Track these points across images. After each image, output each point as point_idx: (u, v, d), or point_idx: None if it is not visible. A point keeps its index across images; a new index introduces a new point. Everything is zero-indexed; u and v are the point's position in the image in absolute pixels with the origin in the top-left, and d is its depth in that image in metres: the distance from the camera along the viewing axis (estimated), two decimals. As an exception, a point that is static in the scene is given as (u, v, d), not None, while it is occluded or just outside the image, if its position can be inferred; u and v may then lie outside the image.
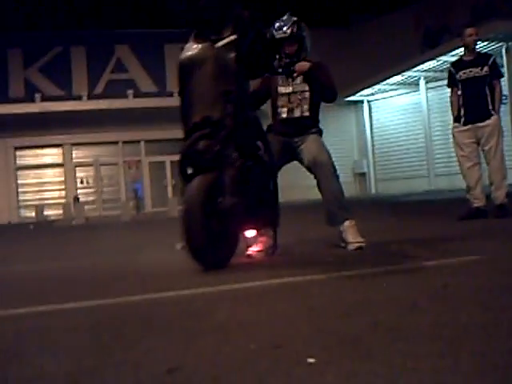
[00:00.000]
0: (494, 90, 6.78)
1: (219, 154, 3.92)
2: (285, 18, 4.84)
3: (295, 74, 4.81)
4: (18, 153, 26.00)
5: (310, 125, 4.88)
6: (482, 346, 1.73)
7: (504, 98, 20.93)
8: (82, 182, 26.57)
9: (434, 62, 21.81)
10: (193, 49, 4.25)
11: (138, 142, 26.59)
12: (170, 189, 26.57)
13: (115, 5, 25.86)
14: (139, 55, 26.86)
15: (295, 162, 4.94)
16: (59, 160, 26.40)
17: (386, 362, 1.62)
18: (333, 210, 4.67)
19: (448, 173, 23.49)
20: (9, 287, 4.10)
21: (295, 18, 4.84)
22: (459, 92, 6.89)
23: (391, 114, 26.44)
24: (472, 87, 6.80)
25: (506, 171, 6.94)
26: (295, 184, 15.80)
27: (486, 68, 6.78)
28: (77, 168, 26.51)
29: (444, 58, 21.16)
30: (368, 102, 27.17)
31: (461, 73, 6.89)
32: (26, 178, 26.05)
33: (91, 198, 26.15)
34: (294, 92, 4.87)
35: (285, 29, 4.76)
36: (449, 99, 7.12)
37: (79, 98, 25.90)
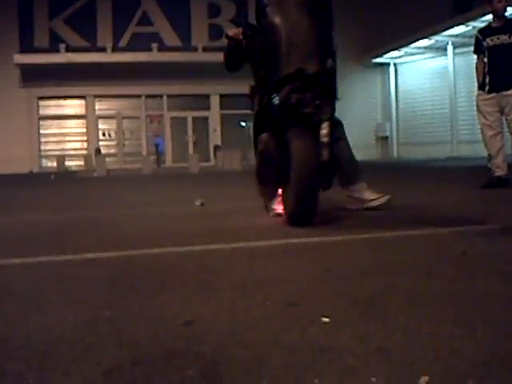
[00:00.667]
0: None
1: (317, 108, 3.79)
2: None
3: None
4: (41, 103, 26.12)
5: None
6: (498, 315, 1.73)
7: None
8: (103, 135, 26.69)
9: (463, 27, 21.44)
10: None
11: (161, 96, 26.57)
12: (190, 145, 26.61)
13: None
14: (165, 8, 26.66)
15: None
16: (82, 111, 26.49)
17: (400, 326, 1.63)
18: (347, 171, 4.66)
19: (471, 140, 23.28)
20: (30, 236, 4.15)
21: None
22: (485, 59, 6.78)
23: (417, 78, 26.14)
24: (499, 55, 6.68)
25: None
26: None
27: None
28: (99, 120, 26.59)
29: (473, 23, 20.77)
30: (394, 64, 26.85)
31: (488, 40, 6.77)
32: (49, 128, 26.18)
33: (113, 151, 26.29)
34: None
35: None
36: (474, 66, 7.02)
37: (104, 49, 25.84)
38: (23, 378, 1.36)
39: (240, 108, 22.01)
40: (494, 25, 6.88)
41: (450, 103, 23.93)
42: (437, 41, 23.56)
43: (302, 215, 3.84)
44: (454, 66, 23.73)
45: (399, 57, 26.18)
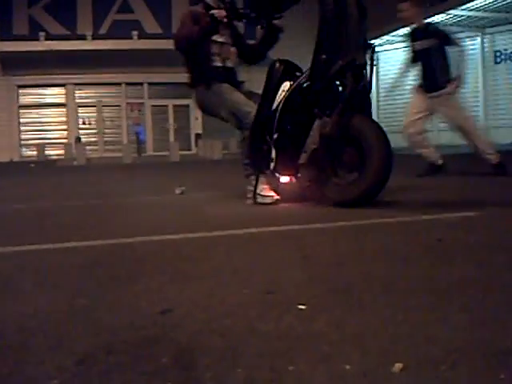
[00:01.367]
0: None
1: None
2: None
3: None
4: (21, 91, 25.86)
5: None
6: (472, 301, 1.74)
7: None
8: (84, 123, 26.51)
9: (444, 15, 21.48)
10: None
11: (141, 84, 26.43)
12: (171, 133, 26.51)
13: None
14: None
15: None
16: (62, 100, 26.27)
17: (375, 313, 1.64)
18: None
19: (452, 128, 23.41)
20: (7, 224, 4.12)
21: None
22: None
23: (398, 66, 26.17)
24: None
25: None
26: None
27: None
28: (79, 108, 26.40)
29: (454, 11, 20.86)
30: (376, 52, 26.89)
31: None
32: (29, 117, 25.96)
33: (93, 139, 26.12)
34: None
35: None
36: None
37: (83, 37, 25.61)
38: (-4, 368, 1.35)
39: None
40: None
41: (430, 91, 24.02)
42: (417, 29, 23.59)
43: (378, 192, 4.24)
44: (434, 54, 23.80)
45: (380, 45, 26.20)
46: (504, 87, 22.18)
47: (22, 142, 25.84)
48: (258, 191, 4.59)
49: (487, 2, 19.81)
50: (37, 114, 26.10)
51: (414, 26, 7.08)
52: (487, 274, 2.07)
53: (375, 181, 4.13)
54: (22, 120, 25.93)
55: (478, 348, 1.36)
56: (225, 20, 4.71)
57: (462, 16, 21.39)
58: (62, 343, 1.50)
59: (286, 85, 4.60)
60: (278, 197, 4.60)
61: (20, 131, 25.86)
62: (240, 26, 5.19)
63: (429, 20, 21.61)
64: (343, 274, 2.13)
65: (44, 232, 3.64)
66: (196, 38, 4.76)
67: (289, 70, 4.70)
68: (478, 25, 22.41)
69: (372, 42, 4.48)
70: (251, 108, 4.66)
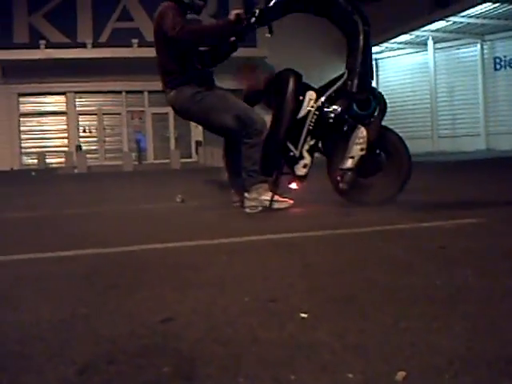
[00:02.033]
0: None
1: None
2: None
3: None
4: (22, 99, 25.89)
5: None
6: (475, 309, 1.73)
7: None
8: (84, 131, 26.53)
9: (444, 22, 21.54)
10: None
11: (142, 92, 26.46)
12: (172, 141, 26.53)
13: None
14: (145, 4, 26.50)
15: None
16: (62, 108, 26.29)
17: (378, 322, 1.63)
18: None
19: (451, 135, 23.45)
20: (7, 233, 4.12)
21: None
22: None
23: (398, 74, 26.23)
24: None
25: None
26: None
27: None
28: (80, 116, 26.43)
29: (453, 18, 20.91)
30: (375, 60, 26.92)
31: None
32: (29, 125, 25.98)
33: (94, 148, 26.14)
34: None
35: None
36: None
37: (84, 45, 25.66)
38: (-3, 378, 1.35)
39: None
40: None
41: (430, 98, 24.05)
42: (417, 36, 23.65)
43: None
44: (434, 61, 23.83)
45: (380, 52, 26.26)
46: (504, 93, 22.23)
47: (23, 151, 25.86)
48: (272, 198, 4.62)
49: (487, 9, 19.86)
50: (37, 122, 26.12)
51: None
52: (490, 281, 2.06)
53: (405, 182, 4.78)
54: (22, 128, 25.95)
55: (481, 357, 1.35)
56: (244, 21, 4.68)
57: (462, 23, 21.45)
58: (63, 352, 1.49)
59: (312, 94, 4.73)
60: (292, 201, 4.72)
61: (20, 139, 25.87)
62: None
63: (429, 27, 21.78)
64: (345, 282, 2.13)
65: (44, 240, 3.64)
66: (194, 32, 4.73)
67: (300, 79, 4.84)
68: (477, 32, 22.46)
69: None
70: (256, 115, 4.70)
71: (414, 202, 4.84)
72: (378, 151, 4.75)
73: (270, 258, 2.71)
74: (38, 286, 2.29)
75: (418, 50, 24.93)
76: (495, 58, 22.74)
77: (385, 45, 25.10)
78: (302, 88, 4.75)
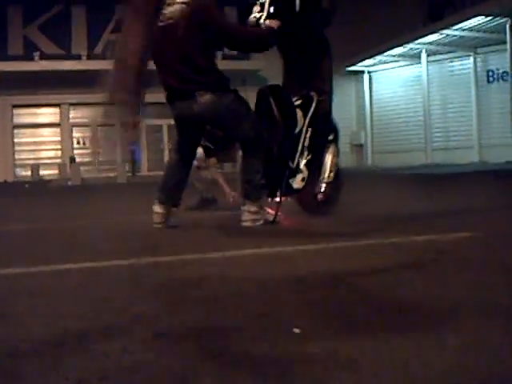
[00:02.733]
0: None
1: None
2: None
3: None
4: (16, 111, 25.87)
5: None
6: (468, 323, 1.73)
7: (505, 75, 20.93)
8: (78, 143, 26.50)
9: (437, 35, 21.66)
10: None
11: (137, 104, 26.46)
12: (166, 153, 26.51)
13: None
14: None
15: None
16: (56, 120, 26.28)
17: (370, 337, 1.63)
18: None
19: (445, 147, 23.52)
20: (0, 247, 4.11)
21: None
22: None
23: (392, 86, 26.31)
24: None
25: None
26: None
27: None
28: (73, 128, 26.41)
29: (447, 31, 21.02)
30: (369, 72, 27.03)
31: None
32: (23, 137, 25.95)
33: (87, 159, 26.11)
34: None
35: None
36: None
37: (78, 57, 25.68)
38: (-12, 395, 1.34)
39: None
40: None
41: (423, 111, 24.12)
42: (411, 49, 23.76)
43: None
44: (427, 74, 23.93)
45: (373, 65, 26.37)
46: (497, 106, 22.32)
47: (17, 163, 25.81)
48: (277, 213, 4.60)
49: (480, 23, 19.98)
50: (31, 134, 26.09)
51: None
52: (483, 296, 2.07)
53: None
54: (16, 140, 25.91)
55: (474, 374, 1.35)
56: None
57: (455, 36, 21.56)
58: (56, 368, 1.48)
59: (299, 111, 4.76)
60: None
61: (14, 151, 25.82)
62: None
63: (423, 40, 21.92)
64: (337, 296, 2.13)
65: (36, 254, 3.63)
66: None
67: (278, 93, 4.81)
68: (470, 45, 22.58)
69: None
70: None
71: (407, 215, 4.85)
72: None
73: (262, 271, 2.72)
74: (30, 300, 2.29)
75: (412, 62, 25.03)
76: (488, 71, 22.85)
77: (378, 57, 25.20)
78: (286, 98, 4.74)
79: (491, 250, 3.11)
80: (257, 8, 4.70)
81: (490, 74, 22.80)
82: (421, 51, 23.66)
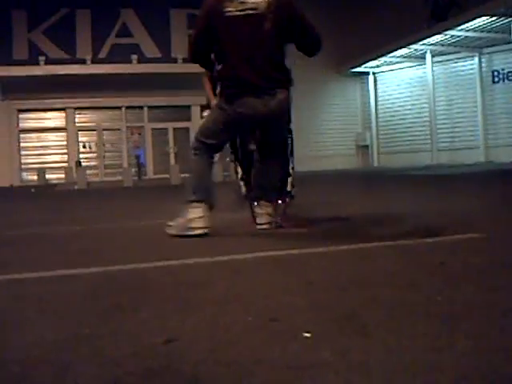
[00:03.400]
0: None
1: None
2: None
3: None
4: (21, 115, 25.93)
5: None
6: (478, 326, 1.73)
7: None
8: (84, 147, 26.55)
9: (441, 35, 21.64)
10: None
11: (141, 107, 26.52)
12: (172, 156, 26.56)
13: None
14: (144, 20, 26.62)
15: None
16: (62, 124, 26.34)
17: (380, 340, 1.63)
18: None
19: (450, 148, 23.48)
20: (6, 251, 4.10)
21: None
22: None
23: (396, 87, 26.30)
24: None
25: None
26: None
27: None
28: (79, 132, 26.47)
29: (451, 32, 21.00)
30: (373, 74, 27.01)
31: None
32: (29, 141, 26.01)
33: (93, 163, 26.16)
34: None
35: None
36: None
37: (83, 61, 25.73)
38: (0, 401, 1.34)
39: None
40: None
41: (429, 111, 24.09)
42: (415, 50, 23.74)
43: None
44: (432, 75, 23.90)
45: (378, 66, 26.36)
46: (502, 106, 22.30)
47: (23, 167, 25.87)
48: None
49: (484, 23, 19.96)
50: (37, 138, 26.15)
51: None
52: (491, 297, 2.07)
53: None
54: (22, 144, 25.97)
55: (485, 375, 1.35)
56: None
57: (460, 36, 21.54)
58: (66, 374, 1.49)
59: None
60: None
61: (20, 155, 25.89)
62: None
63: (427, 40, 21.90)
64: (347, 300, 2.13)
65: (44, 258, 3.64)
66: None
67: None
68: (475, 45, 22.55)
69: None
70: None
71: (414, 217, 4.84)
72: None
73: (271, 275, 2.71)
74: (39, 306, 2.29)
75: (417, 63, 25.01)
76: (493, 71, 22.82)
77: (383, 59, 25.19)
78: None
79: (498, 251, 3.11)
80: None
81: (495, 74, 22.78)
82: (425, 52, 23.64)
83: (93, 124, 26.44)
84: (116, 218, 6.69)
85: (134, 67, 25.07)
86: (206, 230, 4.20)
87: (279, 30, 4.19)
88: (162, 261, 3.22)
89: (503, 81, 22.51)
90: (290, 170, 4.76)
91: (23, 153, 25.94)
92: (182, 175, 21.47)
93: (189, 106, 25.94)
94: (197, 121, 26.01)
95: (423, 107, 24.61)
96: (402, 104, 25.97)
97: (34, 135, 26.14)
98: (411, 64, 25.44)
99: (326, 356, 1.52)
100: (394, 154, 25.91)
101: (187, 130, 26.18)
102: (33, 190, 17.97)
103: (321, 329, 1.76)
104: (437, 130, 23.85)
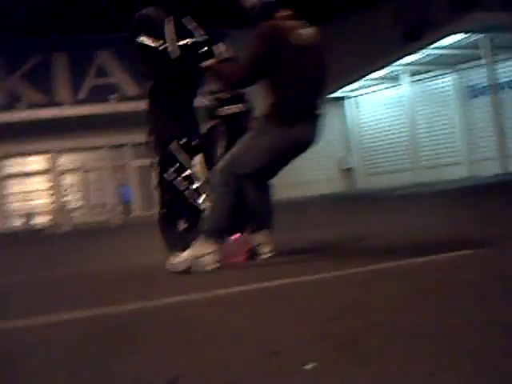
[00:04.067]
0: None
1: None
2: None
3: None
4: (4, 162, 25.83)
5: None
6: (479, 344, 1.73)
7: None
8: (68, 188, 26.43)
9: (417, 55, 21.91)
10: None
11: (125, 145, 26.52)
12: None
13: (95, 10, 25.64)
14: (122, 59, 26.71)
15: None
16: (46, 167, 26.26)
17: (383, 366, 1.62)
18: None
19: (434, 165, 23.63)
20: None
21: None
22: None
23: (375, 109, 26.51)
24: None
25: None
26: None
27: None
28: (64, 174, 26.39)
29: (426, 50, 21.29)
30: (351, 97, 27.21)
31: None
32: (13, 187, 25.88)
33: (79, 204, 26.05)
34: None
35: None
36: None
37: (62, 103, 25.75)
38: None
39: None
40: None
41: (409, 130, 24.26)
42: (391, 71, 23.97)
43: None
44: (410, 94, 24.12)
45: (355, 89, 26.56)
46: (481, 120, 22.53)
47: (7, 214, 25.69)
48: None
49: (456, 40, 20.26)
50: (21, 183, 26.03)
51: None
52: (490, 313, 2.07)
53: None
54: (5, 191, 25.83)
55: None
56: None
57: (434, 54, 21.81)
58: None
59: None
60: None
61: (5, 202, 25.73)
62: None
63: (402, 61, 22.12)
64: (345, 327, 2.11)
65: (33, 305, 3.59)
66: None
67: None
68: (450, 62, 22.86)
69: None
70: None
71: (402, 238, 4.85)
72: None
73: (264, 307, 2.70)
74: (35, 353, 2.25)
75: (393, 84, 25.24)
76: (469, 87, 23.12)
77: (360, 82, 25.38)
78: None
79: (493, 265, 3.12)
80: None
81: (470, 89, 23.07)
82: (401, 72, 23.88)
83: (77, 165, 26.38)
84: (104, 258, 6.65)
85: (114, 106, 25.09)
86: (217, 265, 4.16)
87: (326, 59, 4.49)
88: (152, 300, 3.18)
89: (479, 96, 22.79)
90: None
91: (6, 200, 25.78)
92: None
93: (171, 141, 25.93)
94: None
95: (403, 126, 24.80)
96: (382, 125, 26.16)
97: (17, 180, 26.02)
98: (388, 85, 25.68)
99: (330, 387, 1.52)
100: (378, 174, 26.02)
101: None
102: (18, 235, 17.85)
103: (323, 359, 1.75)
104: (419, 149, 24.01)
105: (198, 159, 4.72)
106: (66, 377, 1.89)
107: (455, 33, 19.53)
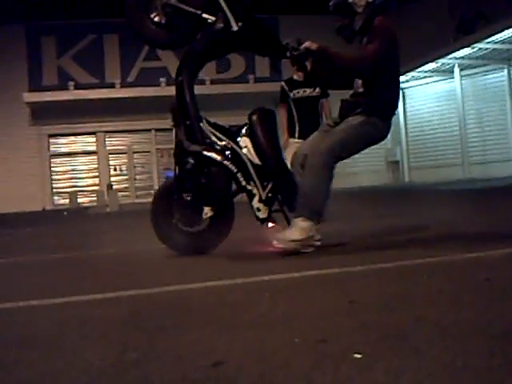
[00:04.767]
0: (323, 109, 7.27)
1: None
2: None
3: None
4: (52, 140, 26.25)
5: None
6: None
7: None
8: (115, 170, 26.76)
9: (469, 49, 21.49)
10: None
11: (171, 129, 26.67)
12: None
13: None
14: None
15: None
16: (92, 148, 26.61)
17: (434, 359, 1.59)
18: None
19: (482, 161, 23.23)
20: (44, 276, 4.12)
21: None
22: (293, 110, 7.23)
23: (425, 102, 26.13)
24: (303, 106, 7.18)
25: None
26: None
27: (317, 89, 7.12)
28: (110, 155, 26.71)
29: (479, 44, 20.85)
30: (402, 89, 26.87)
31: (294, 92, 7.19)
32: (60, 166, 26.30)
33: (124, 186, 26.35)
34: None
35: None
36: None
37: (112, 85, 26.02)
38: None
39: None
40: (297, 78, 7.23)
41: (459, 125, 23.86)
42: (443, 64, 23.60)
43: None
44: (461, 88, 23.71)
45: (406, 81, 26.22)
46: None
47: (54, 191, 26.14)
48: None
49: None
50: (68, 162, 26.44)
51: None
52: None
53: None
54: (53, 169, 26.27)
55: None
56: None
57: (488, 49, 21.37)
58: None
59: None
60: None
61: (52, 180, 26.17)
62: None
63: (455, 54, 21.72)
64: (394, 318, 2.08)
65: (82, 282, 3.64)
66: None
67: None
68: (503, 57, 22.37)
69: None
70: None
71: (453, 232, 4.77)
72: None
73: (313, 295, 2.68)
74: (83, 330, 2.28)
75: (445, 77, 24.86)
76: (523, 83, 22.64)
77: (411, 74, 25.04)
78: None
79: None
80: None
81: (525, 85, 22.59)
82: (453, 66, 23.49)
83: (123, 147, 26.67)
84: (151, 239, 6.69)
85: (162, 90, 25.24)
86: (318, 242, 4.19)
87: None
88: (202, 282, 3.20)
89: (533, 92, 22.31)
90: None
91: (55, 177, 26.23)
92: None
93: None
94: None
95: (453, 121, 24.40)
96: (431, 118, 25.79)
97: (65, 159, 26.44)
98: (439, 78, 25.30)
99: (379, 377, 1.49)
100: (425, 168, 25.69)
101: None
102: (65, 213, 18.12)
103: (371, 349, 1.72)
104: (468, 144, 23.62)
105: (245, 143, 4.61)
106: (112, 355, 1.90)
107: (510, 27, 19.07)
